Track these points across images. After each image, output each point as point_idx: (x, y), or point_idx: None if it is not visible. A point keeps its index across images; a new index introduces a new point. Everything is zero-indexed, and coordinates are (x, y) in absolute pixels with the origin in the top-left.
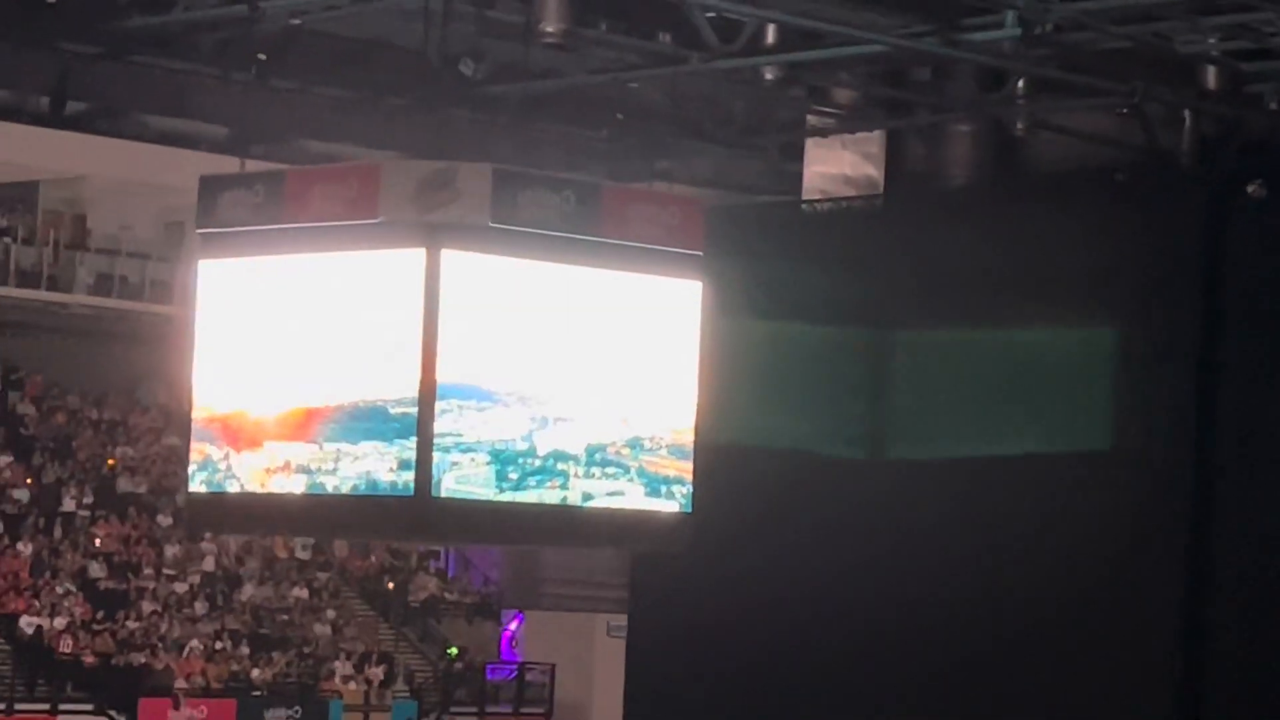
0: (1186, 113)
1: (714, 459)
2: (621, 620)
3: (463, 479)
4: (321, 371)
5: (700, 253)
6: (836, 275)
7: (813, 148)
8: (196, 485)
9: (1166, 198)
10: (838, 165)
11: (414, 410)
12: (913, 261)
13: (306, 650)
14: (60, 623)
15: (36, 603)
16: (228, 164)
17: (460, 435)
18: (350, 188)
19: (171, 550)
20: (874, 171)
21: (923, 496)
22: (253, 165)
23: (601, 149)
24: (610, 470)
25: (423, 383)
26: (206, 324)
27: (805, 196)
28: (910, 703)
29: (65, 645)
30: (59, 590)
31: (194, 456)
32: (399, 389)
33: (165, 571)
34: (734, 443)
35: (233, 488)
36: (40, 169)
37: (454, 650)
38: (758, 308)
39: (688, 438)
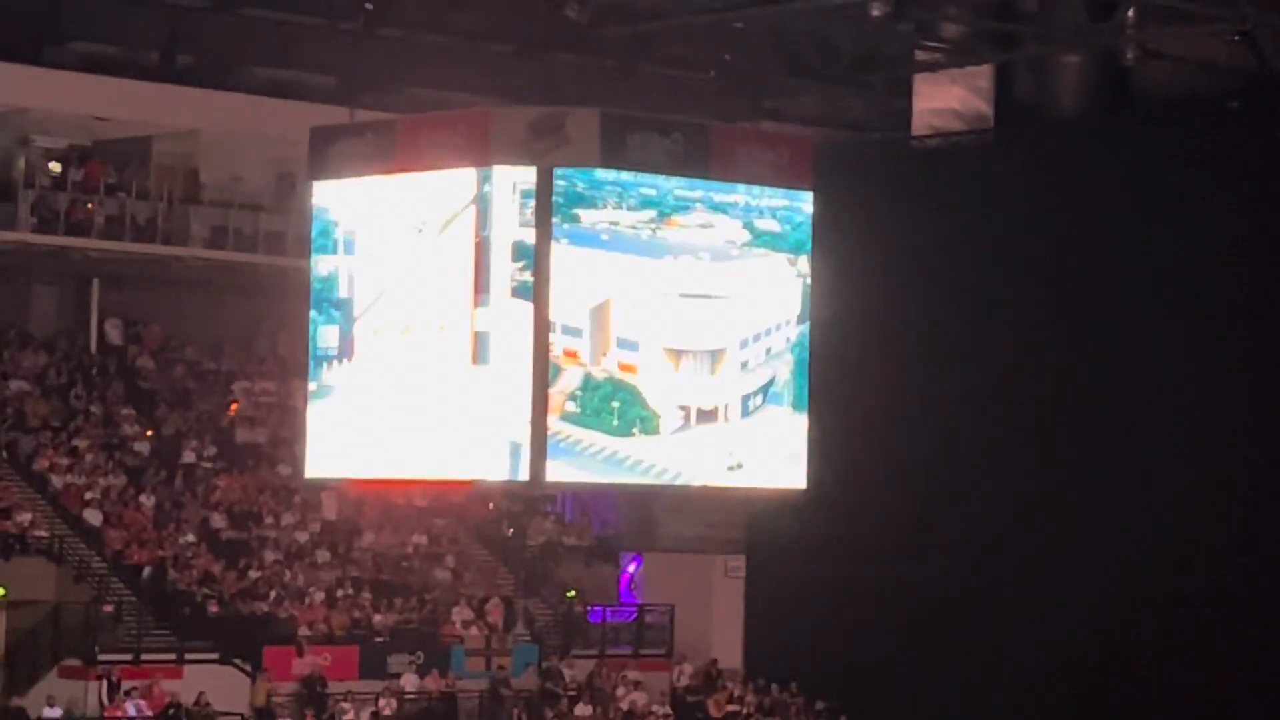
0: None
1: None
2: (739, 561)
3: None
4: None
5: (810, 190)
6: (949, 213)
7: (921, 83)
8: None
9: None
10: (946, 100)
11: None
12: (1025, 196)
13: (427, 596)
14: (185, 574)
15: (160, 554)
16: (337, 114)
17: None
18: (460, 134)
19: (292, 499)
20: (984, 105)
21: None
22: (362, 115)
23: (708, 89)
24: None
25: None
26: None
27: (915, 132)
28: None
29: (189, 596)
30: (182, 541)
31: None
32: None
33: (286, 520)
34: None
35: None
36: (152, 124)
37: (573, 593)
38: (869, 245)
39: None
